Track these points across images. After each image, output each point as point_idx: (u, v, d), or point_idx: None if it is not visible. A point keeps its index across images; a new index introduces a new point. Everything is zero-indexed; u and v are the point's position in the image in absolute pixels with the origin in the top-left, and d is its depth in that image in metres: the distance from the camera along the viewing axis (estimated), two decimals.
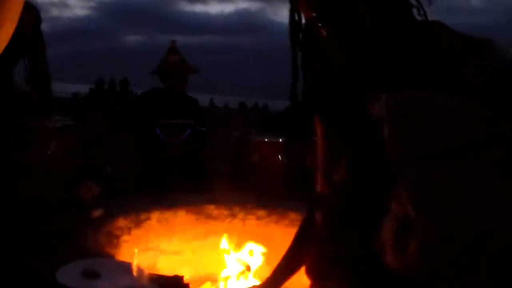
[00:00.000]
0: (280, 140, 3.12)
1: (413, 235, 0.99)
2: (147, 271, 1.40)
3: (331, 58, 1.07)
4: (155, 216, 2.22)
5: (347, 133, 1.10)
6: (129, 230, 2.09)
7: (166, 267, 1.96)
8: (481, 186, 0.92)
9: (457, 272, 0.91)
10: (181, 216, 2.29)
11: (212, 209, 2.34)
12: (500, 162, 0.90)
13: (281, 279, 1.40)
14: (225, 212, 2.35)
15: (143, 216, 2.19)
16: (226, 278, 1.94)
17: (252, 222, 2.31)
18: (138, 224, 2.15)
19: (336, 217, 1.17)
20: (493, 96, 0.92)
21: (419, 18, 1.05)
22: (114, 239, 1.97)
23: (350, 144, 1.10)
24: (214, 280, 1.96)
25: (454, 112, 0.94)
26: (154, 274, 1.42)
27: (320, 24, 1.03)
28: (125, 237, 2.03)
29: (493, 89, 0.93)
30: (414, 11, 1.04)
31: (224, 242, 2.03)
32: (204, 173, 3.30)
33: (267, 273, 1.82)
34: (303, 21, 1.10)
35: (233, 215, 2.34)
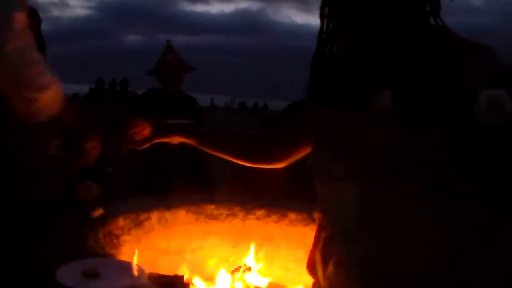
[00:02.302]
0: None
1: (331, 257, 1.00)
2: (147, 271, 1.40)
3: (342, 44, 1.08)
4: (155, 216, 2.22)
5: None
6: (129, 230, 2.08)
7: (166, 267, 1.95)
8: (405, 206, 0.91)
9: None
10: (181, 216, 2.29)
11: (212, 209, 2.33)
12: (427, 185, 0.89)
13: (217, 142, 1.39)
14: (225, 212, 2.35)
15: (143, 216, 2.19)
16: (226, 278, 1.94)
17: (252, 222, 2.31)
18: (138, 224, 2.15)
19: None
20: (434, 116, 0.91)
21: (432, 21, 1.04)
22: (114, 239, 1.96)
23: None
24: (214, 280, 1.96)
25: (386, 133, 0.94)
26: (154, 274, 1.42)
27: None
28: (125, 237, 2.03)
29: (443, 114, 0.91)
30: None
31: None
32: (204, 174, 3.30)
33: (267, 273, 1.82)
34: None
35: (233, 215, 2.33)
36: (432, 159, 0.90)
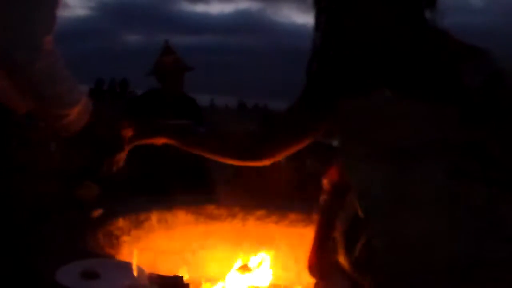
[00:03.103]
0: None
1: (361, 235, 1.00)
2: (147, 271, 1.40)
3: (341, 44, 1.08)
4: (155, 216, 2.22)
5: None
6: (129, 230, 2.08)
7: (166, 267, 1.95)
8: (428, 187, 0.93)
9: (408, 272, 0.93)
10: (181, 216, 2.29)
11: (212, 209, 2.33)
12: (448, 166, 0.92)
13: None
14: (225, 212, 2.35)
15: (143, 216, 2.19)
16: (225, 278, 1.94)
17: (252, 222, 2.31)
18: (138, 224, 2.15)
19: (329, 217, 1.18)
20: (450, 102, 0.94)
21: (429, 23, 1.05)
22: (114, 239, 1.96)
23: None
24: (214, 280, 1.96)
25: (407, 116, 0.96)
26: (154, 274, 1.42)
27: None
28: (125, 237, 2.03)
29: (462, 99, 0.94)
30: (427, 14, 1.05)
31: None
32: (204, 174, 3.29)
33: (266, 273, 1.82)
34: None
35: (233, 215, 2.33)
36: (452, 141, 0.92)
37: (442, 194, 0.92)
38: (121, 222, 2.08)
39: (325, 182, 1.23)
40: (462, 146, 0.92)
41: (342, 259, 1.06)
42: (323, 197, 1.24)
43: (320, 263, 1.21)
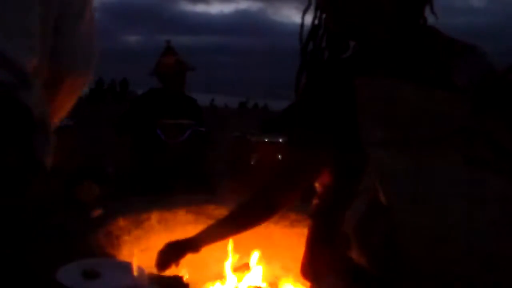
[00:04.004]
0: (280, 140, 3.12)
1: (378, 227, 0.99)
2: (147, 271, 1.40)
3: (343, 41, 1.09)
4: (155, 216, 2.22)
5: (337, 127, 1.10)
6: (129, 230, 2.08)
7: (171, 266, 1.95)
8: (450, 177, 0.93)
9: (434, 262, 0.92)
10: (181, 216, 2.29)
11: (212, 209, 2.33)
12: (467, 155, 0.93)
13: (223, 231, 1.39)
14: (225, 212, 2.34)
15: (143, 216, 2.19)
16: (225, 278, 1.94)
17: None
18: (138, 224, 2.15)
19: (326, 217, 1.18)
20: (472, 95, 0.95)
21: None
22: (114, 239, 1.97)
23: (338, 140, 1.10)
24: (214, 280, 1.96)
25: (425, 102, 0.97)
26: (154, 274, 1.42)
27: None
28: (125, 237, 2.03)
29: (475, 90, 0.96)
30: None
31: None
32: (204, 173, 3.30)
33: (266, 273, 1.82)
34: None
35: None
36: (468, 130, 0.93)
37: (463, 184, 0.92)
38: (121, 222, 2.08)
39: (317, 185, 1.23)
40: (477, 135, 0.93)
41: (355, 255, 1.05)
42: (315, 201, 1.23)
43: (313, 266, 1.20)
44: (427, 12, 1.07)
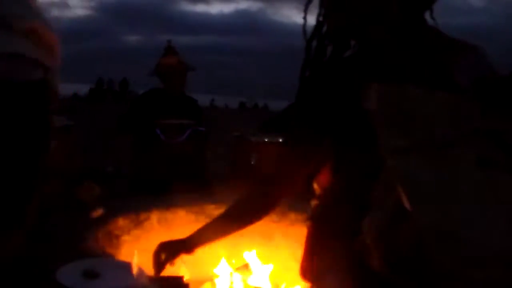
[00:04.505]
0: (280, 140, 3.12)
1: (404, 228, 0.99)
2: (147, 271, 1.40)
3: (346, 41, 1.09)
4: (155, 216, 2.22)
5: (339, 131, 1.10)
6: (129, 230, 2.08)
7: (165, 267, 1.95)
8: (467, 176, 0.93)
9: (460, 265, 0.92)
10: (181, 216, 2.28)
11: (212, 209, 2.33)
12: (479, 154, 0.93)
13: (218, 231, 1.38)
14: None
15: (143, 216, 2.19)
16: (225, 278, 1.93)
17: None
18: (138, 224, 2.15)
19: (326, 218, 1.18)
20: (473, 95, 0.96)
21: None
22: (114, 239, 1.96)
23: (339, 144, 1.10)
24: (214, 280, 1.96)
25: (438, 106, 0.97)
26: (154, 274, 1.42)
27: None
28: (125, 237, 2.03)
29: (475, 89, 0.96)
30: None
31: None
32: (204, 173, 3.30)
33: (266, 273, 1.81)
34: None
35: None
36: (480, 131, 0.94)
37: (480, 186, 0.93)
38: (121, 222, 2.08)
39: (315, 186, 1.22)
40: (488, 136, 0.93)
41: (376, 263, 1.04)
42: (314, 202, 1.23)
43: (312, 267, 1.20)
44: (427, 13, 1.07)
